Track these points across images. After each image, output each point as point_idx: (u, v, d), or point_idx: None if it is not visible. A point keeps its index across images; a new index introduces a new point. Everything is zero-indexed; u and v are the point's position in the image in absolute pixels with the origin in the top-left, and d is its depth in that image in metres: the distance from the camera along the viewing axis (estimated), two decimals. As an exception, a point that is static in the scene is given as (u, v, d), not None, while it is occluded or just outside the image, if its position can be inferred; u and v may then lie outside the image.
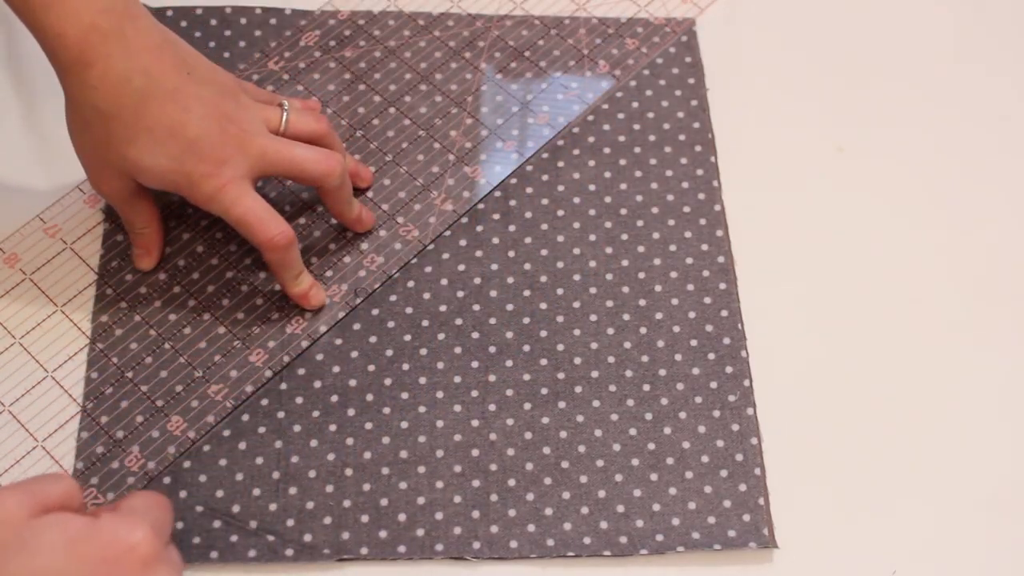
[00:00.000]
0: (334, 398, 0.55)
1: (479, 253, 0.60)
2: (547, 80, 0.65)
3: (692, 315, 0.58)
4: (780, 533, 0.53)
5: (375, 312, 0.58)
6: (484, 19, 0.67)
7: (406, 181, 0.62)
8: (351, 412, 0.55)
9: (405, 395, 0.56)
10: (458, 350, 0.57)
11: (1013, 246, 0.62)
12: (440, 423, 0.55)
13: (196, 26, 0.66)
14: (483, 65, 0.65)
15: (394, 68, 0.65)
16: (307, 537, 0.52)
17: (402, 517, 0.53)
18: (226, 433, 0.54)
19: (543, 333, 0.57)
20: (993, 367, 0.58)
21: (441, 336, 0.57)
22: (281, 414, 0.55)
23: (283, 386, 0.56)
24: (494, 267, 0.59)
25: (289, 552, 0.52)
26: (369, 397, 0.55)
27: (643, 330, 0.58)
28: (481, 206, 0.61)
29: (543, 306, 0.58)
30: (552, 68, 0.65)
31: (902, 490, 0.54)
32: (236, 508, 0.52)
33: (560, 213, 0.61)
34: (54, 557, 0.40)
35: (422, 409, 0.55)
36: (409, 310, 0.58)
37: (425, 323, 0.57)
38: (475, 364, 0.56)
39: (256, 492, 0.53)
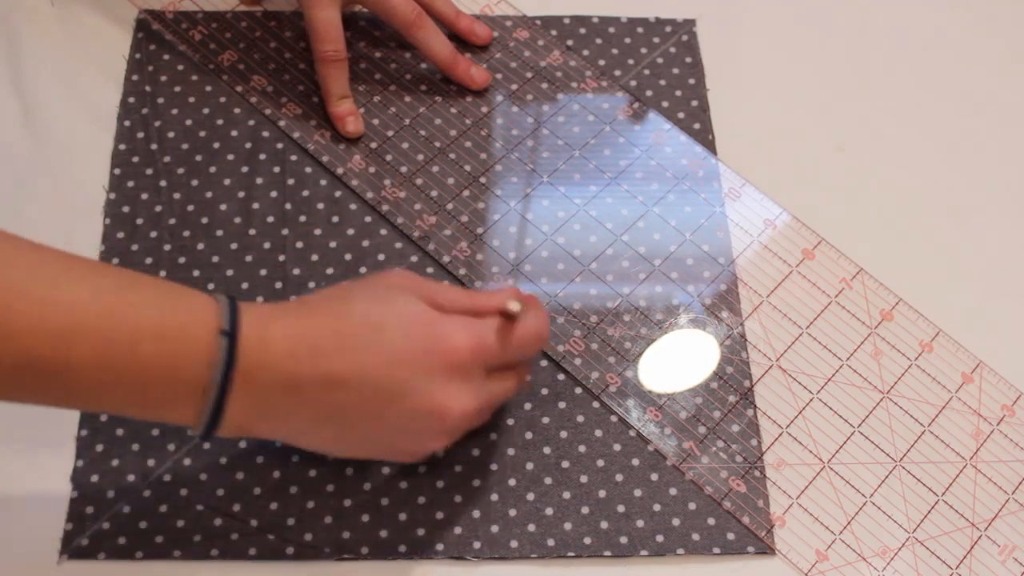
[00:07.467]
0: (335, 397, 0.55)
1: (480, 256, 0.60)
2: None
3: (691, 315, 0.58)
4: (780, 534, 0.53)
5: (376, 311, 0.58)
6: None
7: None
8: (352, 411, 0.55)
9: (406, 394, 0.56)
10: (459, 350, 0.57)
11: (1014, 246, 0.62)
12: (440, 422, 0.55)
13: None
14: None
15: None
16: (308, 536, 0.52)
17: (403, 516, 0.53)
18: (227, 431, 0.54)
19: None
20: (998, 360, 0.58)
21: (442, 335, 0.57)
22: (282, 413, 0.55)
23: (283, 384, 0.56)
24: (494, 268, 0.59)
25: (290, 551, 0.52)
26: (370, 396, 0.55)
27: (644, 330, 0.58)
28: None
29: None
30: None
31: (903, 492, 0.55)
32: (237, 506, 0.52)
33: (560, 214, 0.61)
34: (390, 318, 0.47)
35: (423, 408, 0.55)
36: (410, 309, 0.58)
37: (426, 323, 0.57)
38: (476, 364, 0.57)
39: (257, 491, 0.53)
